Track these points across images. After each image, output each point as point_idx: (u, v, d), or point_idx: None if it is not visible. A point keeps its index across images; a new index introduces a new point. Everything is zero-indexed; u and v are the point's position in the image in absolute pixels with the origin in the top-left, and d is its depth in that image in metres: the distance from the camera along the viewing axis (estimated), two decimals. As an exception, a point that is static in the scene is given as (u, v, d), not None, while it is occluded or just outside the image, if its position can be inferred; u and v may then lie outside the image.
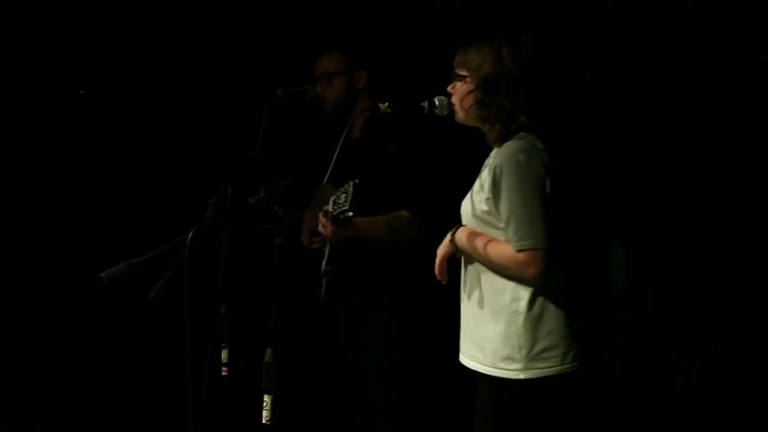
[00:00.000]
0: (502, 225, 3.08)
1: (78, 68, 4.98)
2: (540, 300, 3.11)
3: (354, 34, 4.70)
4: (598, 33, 4.47)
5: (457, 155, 3.52)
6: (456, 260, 3.29)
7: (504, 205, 3.07)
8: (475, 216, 3.16)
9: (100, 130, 5.01)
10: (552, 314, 3.11)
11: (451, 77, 3.21)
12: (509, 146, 3.11)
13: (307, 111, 4.37)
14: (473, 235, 3.16)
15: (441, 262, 3.26)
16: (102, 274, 3.05)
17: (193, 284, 3.09)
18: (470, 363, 3.21)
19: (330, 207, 3.53)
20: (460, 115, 3.22)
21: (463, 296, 3.26)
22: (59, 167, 4.97)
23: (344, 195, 3.51)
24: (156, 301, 3.22)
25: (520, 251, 3.04)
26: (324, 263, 4.21)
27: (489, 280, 3.15)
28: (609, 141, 4.50)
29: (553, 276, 3.08)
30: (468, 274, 3.23)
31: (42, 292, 4.95)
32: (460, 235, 3.19)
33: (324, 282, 4.21)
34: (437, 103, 3.25)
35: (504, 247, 3.09)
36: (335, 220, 3.42)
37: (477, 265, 3.18)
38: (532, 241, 3.02)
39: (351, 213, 3.41)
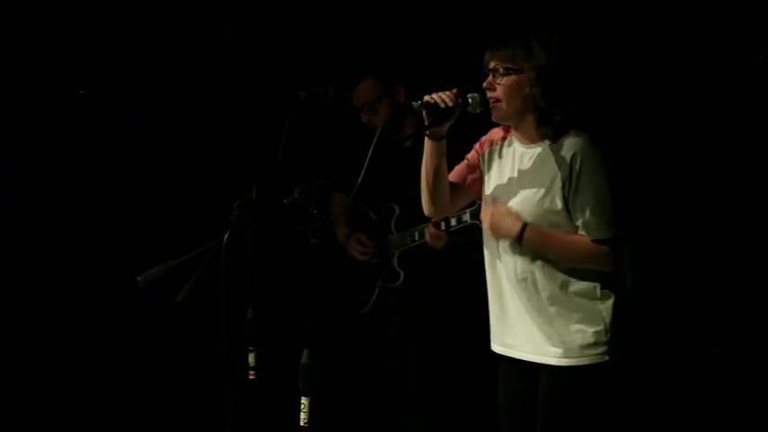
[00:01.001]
0: (577, 219, 3.10)
1: (105, 72, 4.97)
2: (607, 285, 3.18)
3: (380, 51, 4.70)
4: (598, 33, 4.44)
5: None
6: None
7: (585, 197, 3.09)
8: (540, 216, 3.15)
9: (128, 135, 5.02)
10: (616, 298, 3.18)
11: (491, 74, 3.19)
12: (577, 141, 3.13)
13: (330, 112, 4.38)
14: (544, 233, 3.16)
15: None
16: (138, 278, 3.04)
17: (221, 288, 3.07)
18: (539, 358, 3.22)
19: (454, 222, 3.90)
20: (507, 110, 3.19)
21: (516, 293, 3.25)
22: (91, 173, 4.98)
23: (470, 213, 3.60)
24: (183, 305, 3.20)
25: (599, 242, 3.08)
26: (382, 278, 4.29)
27: (555, 273, 3.17)
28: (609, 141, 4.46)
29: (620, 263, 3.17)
30: (522, 271, 3.22)
31: (72, 296, 4.96)
32: (531, 233, 3.16)
33: (375, 296, 4.29)
34: (470, 100, 3.19)
35: (580, 240, 3.12)
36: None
37: (535, 261, 3.18)
38: (612, 232, 3.08)
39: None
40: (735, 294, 4.33)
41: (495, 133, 3.37)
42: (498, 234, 3.23)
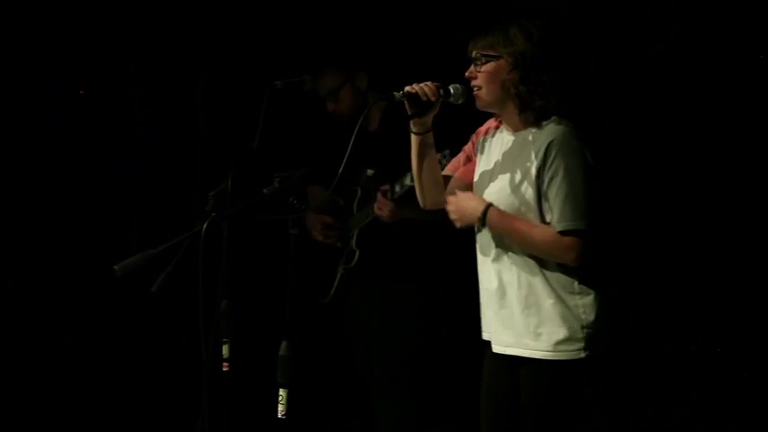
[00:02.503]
0: (547, 209, 3.08)
1: (76, 66, 4.92)
2: (588, 281, 3.14)
3: (343, 33, 4.68)
4: (597, 32, 4.44)
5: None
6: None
7: (556, 186, 3.06)
8: (512, 204, 3.13)
9: (103, 126, 4.96)
10: (599, 294, 3.14)
11: (473, 62, 3.17)
12: (557, 128, 3.10)
13: (307, 101, 4.36)
14: (508, 216, 3.13)
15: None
16: (115, 267, 2.99)
17: (196, 279, 3.04)
18: (517, 351, 3.19)
19: (398, 188, 3.78)
20: (487, 98, 3.18)
21: (494, 285, 3.24)
22: (61, 165, 4.92)
23: (411, 176, 3.54)
24: (157, 296, 3.17)
25: (564, 233, 3.05)
26: (354, 259, 4.27)
27: (534, 266, 3.14)
28: (607, 142, 4.46)
29: (590, 258, 3.11)
30: (502, 263, 3.20)
31: (47, 287, 4.91)
32: (495, 214, 3.14)
33: (337, 281, 4.27)
34: (452, 91, 3.18)
35: (543, 229, 3.09)
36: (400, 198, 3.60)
37: (515, 253, 3.16)
38: (579, 223, 3.04)
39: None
40: (734, 294, 4.32)
41: (490, 123, 3.36)
42: (464, 219, 3.21)
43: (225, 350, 3.37)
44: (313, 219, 4.49)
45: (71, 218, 4.95)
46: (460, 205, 3.21)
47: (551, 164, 3.06)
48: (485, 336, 3.33)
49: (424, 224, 4.06)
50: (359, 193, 4.35)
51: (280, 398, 3.00)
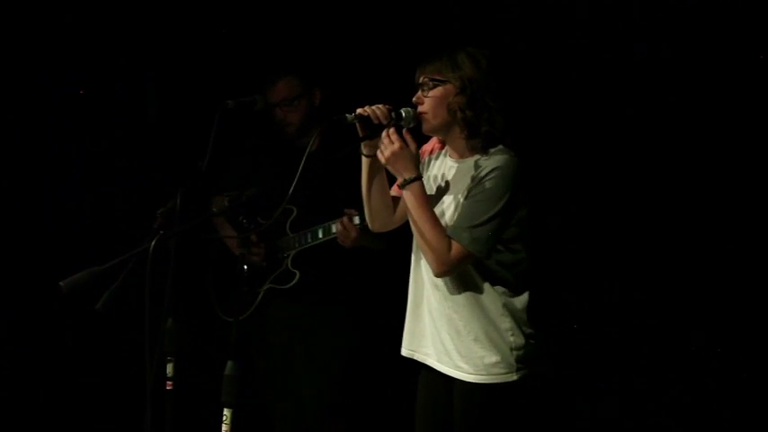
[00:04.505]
0: (456, 212, 3.11)
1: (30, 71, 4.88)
2: (515, 304, 3.17)
3: (303, 53, 4.69)
4: (595, 32, 4.47)
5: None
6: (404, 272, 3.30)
7: (473, 199, 3.09)
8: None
9: (54, 140, 4.92)
10: (528, 316, 3.19)
11: (420, 87, 3.21)
12: (502, 158, 3.12)
13: (257, 121, 4.36)
14: (426, 200, 3.13)
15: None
16: (61, 283, 2.97)
17: (142, 296, 3.03)
18: (450, 371, 3.22)
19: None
20: (434, 122, 3.21)
21: (426, 307, 3.26)
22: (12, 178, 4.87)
23: None
24: (103, 313, 3.15)
25: (452, 241, 3.07)
26: (270, 281, 4.24)
27: (464, 289, 3.17)
28: (607, 141, 4.50)
29: (528, 283, 3.18)
30: (435, 286, 3.22)
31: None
32: (417, 188, 3.12)
33: (259, 300, 4.25)
34: (404, 114, 3.20)
35: (441, 230, 3.10)
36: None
37: (449, 278, 3.17)
38: (470, 244, 3.06)
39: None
40: (734, 294, 4.33)
41: (435, 141, 3.39)
42: (391, 163, 3.14)
43: (169, 369, 3.37)
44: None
45: (16, 233, 4.89)
46: (402, 154, 3.13)
47: (481, 183, 3.10)
48: (410, 354, 3.34)
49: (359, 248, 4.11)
50: (294, 212, 4.35)
51: (224, 417, 2.99)
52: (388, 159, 3.13)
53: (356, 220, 4.06)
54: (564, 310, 4.54)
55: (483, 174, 3.10)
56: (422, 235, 3.12)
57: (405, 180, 3.13)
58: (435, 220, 3.12)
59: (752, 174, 4.31)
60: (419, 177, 3.14)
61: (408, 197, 3.13)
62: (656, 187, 4.43)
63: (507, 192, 3.09)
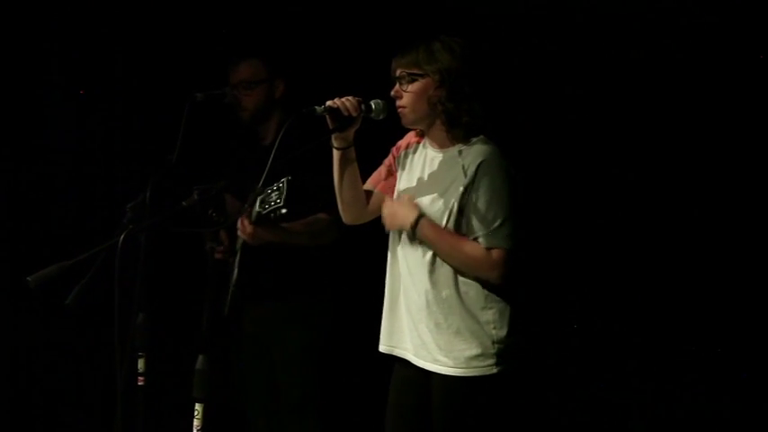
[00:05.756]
0: (474, 226, 3.10)
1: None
2: (500, 295, 3.16)
3: (271, 42, 4.65)
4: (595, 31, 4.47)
5: (372, 156, 3.46)
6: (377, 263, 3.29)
7: (485, 203, 3.09)
8: (442, 221, 3.14)
9: (24, 133, 4.86)
10: (510, 309, 3.17)
11: (397, 81, 3.19)
12: (485, 149, 3.13)
13: (226, 114, 4.32)
14: (439, 229, 3.14)
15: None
16: (29, 278, 2.94)
17: (112, 291, 3.00)
18: (428, 365, 3.19)
19: (257, 207, 3.49)
20: (414, 116, 3.19)
21: (404, 300, 3.24)
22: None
23: (277, 193, 3.48)
24: (73, 308, 3.12)
25: (491, 249, 3.08)
26: (234, 276, 4.18)
27: (444, 282, 3.15)
28: (606, 141, 4.49)
29: (513, 275, 3.15)
30: (413, 279, 3.21)
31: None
32: (426, 224, 3.14)
33: (230, 295, 4.19)
34: (373, 106, 3.19)
35: (473, 245, 3.11)
36: (262, 219, 3.33)
37: (427, 270, 3.16)
38: (507, 242, 3.08)
39: (285, 210, 3.39)
40: (734, 294, 4.34)
41: (411, 136, 3.37)
42: (395, 223, 3.20)
43: (140, 364, 3.34)
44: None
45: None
46: (394, 210, 3.21)
47: (481, 184, 3.09)
48: (389, 350, 3.32)
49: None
50: (257, 207, 4.24)
51: (195, 412, 2.97)
52: (391, 225, 3.21)
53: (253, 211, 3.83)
54: (563, 309, 4.55)
55: (472, 169, 3.10)
56: (460, 261, 3.12)
57: (411, 227, 3.14)
58: (461, 242, 3.13)
59: (752, 174, 4.32)
60: (421, 215, 3.14)
61: (426, 235, 3.13)
62: (656, 186, 4.44)
63: (507, 181, 3.10)
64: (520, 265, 3.15)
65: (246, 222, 3.84)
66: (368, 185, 3.40)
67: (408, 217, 3.15)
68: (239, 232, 3.91)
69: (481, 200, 3.10)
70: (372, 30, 4.56)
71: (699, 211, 4.38)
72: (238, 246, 4.11)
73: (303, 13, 4.77)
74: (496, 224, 3.09)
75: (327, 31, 4.76)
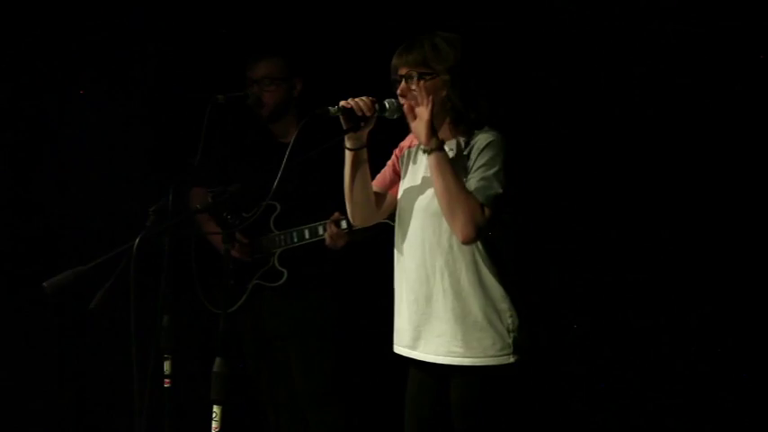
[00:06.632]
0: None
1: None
2: (512, 286, 3.16)
3: (289, 42, 4.67)
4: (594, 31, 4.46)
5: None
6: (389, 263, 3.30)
7: (485, 159, 3.07)
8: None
9: (44, 138, 4.90)
10: (524, 298, 3.18)
11: (403, 80, 3.18)
12: (490, 134, 3.13)
13: (248, 116, 4.34)
14: (450, 164, 3.09)
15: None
16: (44, 284, 2.95)
17: (138, 294, 3.01)
18: (446, 359, 3.18)
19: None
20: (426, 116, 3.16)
21: (417, 295, 3.23)
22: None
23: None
24: (97, 312, 3.13)
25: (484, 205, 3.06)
26: (258, 276, 4.23)
27: (460, 272, 3.15)
28: (606, 142, 4.48)
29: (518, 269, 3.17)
30: (427, 271, 3.20)
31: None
32: (444, 154, 3.10)
33: (247, 295, 4.24)
34: (387, 105, 3.19)
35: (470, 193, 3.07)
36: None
37: (440, 261, 3.16)
38: (488, 202, 3.04)
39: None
40: (734, 294, 4.32)
41: (411, 138, 3.36)
42: (420, 127, 3.11)
43: (167, 366, 3.35)
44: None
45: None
46: (427, 118, 3.11)
47: (480, 154, 3.09)
48: (402, 351, 3.32)
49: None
50: (278, 208, 4.31)
51: (214, 415, 2.98)
52: (416, 122, 3.11)
53: (343, 224, 4.03)
54: (563, 308, 4.53)
55: (481, 146, 3.10)
56: (455, 198, 3.06)
57: (430, 143, 3.09)
58: (462, 185, 3.09)
59: (752, 174, 4.29)
60: (442, 145, 3.11)
61: (436, 163, 3.08)
62: (656, 186, 4.42)
63: (505, 156, 3.09)
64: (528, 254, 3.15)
65: (340, 231, 4.05)
66: (376, 187, 3.39)
67: (431, 138, 3.11)
68: (329, 240, 4.09)
69: (478, 161, 3.09)
70: (379, 29, 4.55)
71: (699, 211, 4.35)
72: (278, 249, 4.25)
73: (318, 13, 4.78)
74: (486, 183, 3.06)
75: (340, 30, 4.77)
